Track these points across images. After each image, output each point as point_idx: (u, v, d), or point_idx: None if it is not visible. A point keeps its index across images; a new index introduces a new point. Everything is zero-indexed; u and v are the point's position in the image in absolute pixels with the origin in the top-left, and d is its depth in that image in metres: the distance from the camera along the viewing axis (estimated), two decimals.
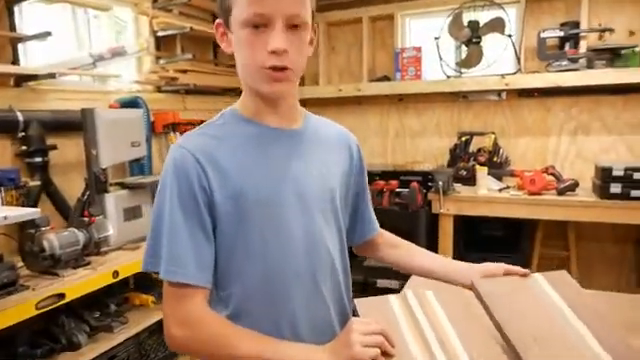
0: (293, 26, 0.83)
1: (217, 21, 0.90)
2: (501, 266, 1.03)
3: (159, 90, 2.82)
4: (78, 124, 2.05)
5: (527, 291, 0.98)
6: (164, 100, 2.82)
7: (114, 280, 1.92)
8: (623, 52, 2.95)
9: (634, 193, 2.47)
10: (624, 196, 2.50)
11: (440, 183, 2.77)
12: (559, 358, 0.82)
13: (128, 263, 2.00)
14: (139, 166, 2.48)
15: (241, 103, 0.94)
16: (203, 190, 0.84)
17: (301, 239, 0.90)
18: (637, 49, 2.92)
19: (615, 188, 2.51)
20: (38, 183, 2.02)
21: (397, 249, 1.14)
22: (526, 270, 1.03)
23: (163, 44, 2.88)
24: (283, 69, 0.84)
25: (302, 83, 3.80)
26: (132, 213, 2.21)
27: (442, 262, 1.10)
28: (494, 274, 1.02)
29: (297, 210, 0.90)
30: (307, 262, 0.91)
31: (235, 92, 3.59)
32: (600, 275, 3.16)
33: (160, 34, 2.79)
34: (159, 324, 2.25)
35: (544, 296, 0.97)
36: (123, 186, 2.23)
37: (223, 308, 0.89)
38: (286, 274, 0.89)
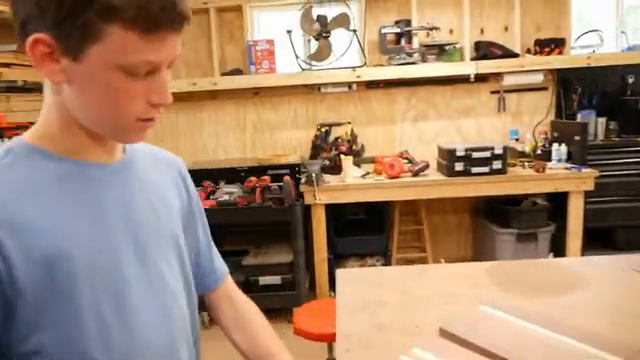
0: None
1: (36, 36, 0.60)
2: None
3: None
4: None
5: (491, 321, 1.08)
6: None
7: None
8: (447, 48, 3.41)
9: (474, 170, 2.90)
10: (466, 173, 2.91)
11: (314, 175, 2.83)
12: None
13: None
14: None
15: (44, 136, 0.68)
16: None
17: (149, 303, 0.71)
18: (457, 46, 3.41)
19: (459, 167, 2.91)
20: None
21: (243, 332, 0.93)
22: None
23: None
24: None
25: None
26: None
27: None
28: None
29: (138, 267, 0.71)
30: (162, 331, 0.73)
31: None
32: (445, 241, 3.65)
33: None
34: None
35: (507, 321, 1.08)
36: None
37: None
38: (138, 354, 0.69)
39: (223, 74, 3.42)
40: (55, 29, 0.59)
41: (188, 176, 0.90)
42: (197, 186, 3.23)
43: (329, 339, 1.90)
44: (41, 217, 0.62)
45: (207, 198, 2.87)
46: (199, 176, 3.11)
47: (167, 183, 0.83)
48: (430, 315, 1.16)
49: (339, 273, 1.48)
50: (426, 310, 1.20)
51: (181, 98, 3.48)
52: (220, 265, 0.96)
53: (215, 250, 0.97)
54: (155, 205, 0.76)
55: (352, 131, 3.37)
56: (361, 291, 1.34)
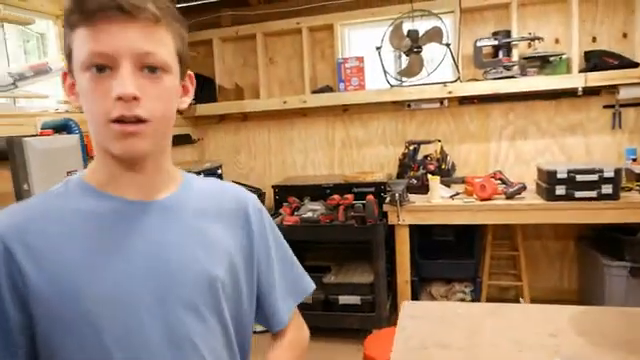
0: (149, 69, 0.68)
1: (64, 71, 0.74)
2: None
3: None
4: (2, 153, 1.78)
5: None
6: None
7: None
8: (552, 59, 3.13)
9: (578, 194, 2.60)
10: (569, 197, 2.62)
11: (397, 195, 2.75)
12: None
13: None
14: None
15: (92, 170, 0.75)
16: (12, 286, 0.65)
17: (163, 349, 0.70)
18: (564, 57, 3.11)
19: (560, 190, 2.63)
20: None
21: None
22: None
23: None
24: (136, 121, 0.67)
25: (242, 97, 3.65)
26: None
27: None
28: None
29: (156, 310, 0.70)
30: None
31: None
32: (545, 270, 3.33)
33: None
34: None
35: None
36: None
37: None
38: None
39: (313, 92, 3.49)
40: (67, 59, 0.71)
41: (255, 216, 0.87)
42: (283, 202, 3.29)
43: None
44: (67, 251, 0.67)
45: (291, 214, 2.93)
46: (285, 192, 3.20)
47: (223, 223, 0.82)
48: None
49: (405, 306, 1.41)
50: (492, 358, 1.09)
51: (272, 116, 3.64)
52: (282, 309, 0.89)
53: (281, 290, 0.89)
54: (196, 247, 0.76)
55: (442, 149, 3.23)
56: (424, 328, 1.26)
